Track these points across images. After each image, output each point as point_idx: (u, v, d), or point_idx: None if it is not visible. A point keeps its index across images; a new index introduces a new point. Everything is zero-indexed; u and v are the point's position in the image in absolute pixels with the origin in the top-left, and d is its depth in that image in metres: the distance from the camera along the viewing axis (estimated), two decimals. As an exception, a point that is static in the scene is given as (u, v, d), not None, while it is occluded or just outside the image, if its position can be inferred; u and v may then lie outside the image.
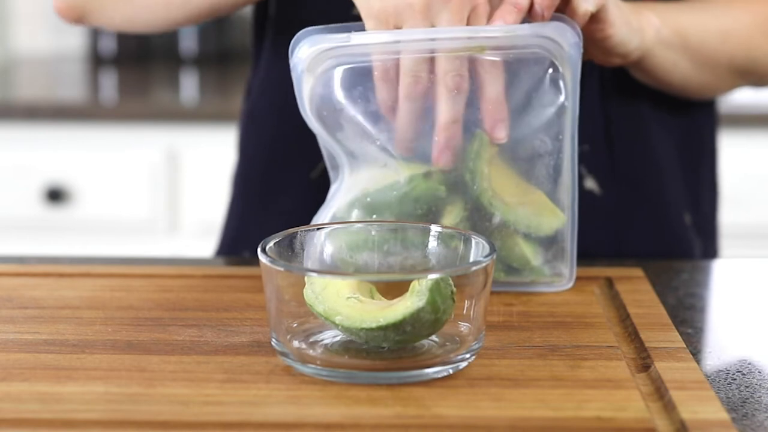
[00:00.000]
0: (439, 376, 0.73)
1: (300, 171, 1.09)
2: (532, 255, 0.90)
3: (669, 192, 1.11)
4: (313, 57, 0.87)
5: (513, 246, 0.89)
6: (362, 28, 0.88)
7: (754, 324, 0.91)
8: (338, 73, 0.88)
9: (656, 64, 1.01)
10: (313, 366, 0.73)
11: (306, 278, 0.75)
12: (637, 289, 0.91)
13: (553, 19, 0.88)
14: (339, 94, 0.88)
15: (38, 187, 2.11)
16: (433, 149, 0.87)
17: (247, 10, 1.99)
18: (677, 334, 0.82)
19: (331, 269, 0.81)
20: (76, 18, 1.08)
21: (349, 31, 0.87)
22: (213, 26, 2.49)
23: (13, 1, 2.61)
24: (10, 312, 0.86)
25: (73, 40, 2.61)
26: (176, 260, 1.08)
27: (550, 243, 0.91)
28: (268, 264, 0.74)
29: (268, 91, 1.12)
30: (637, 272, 0.96)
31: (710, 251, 1.17)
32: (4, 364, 0.76)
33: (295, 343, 0.75)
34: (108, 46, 2.50)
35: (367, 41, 0.87)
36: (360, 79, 0.88)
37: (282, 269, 0.73)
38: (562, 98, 0.88)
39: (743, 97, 2.19)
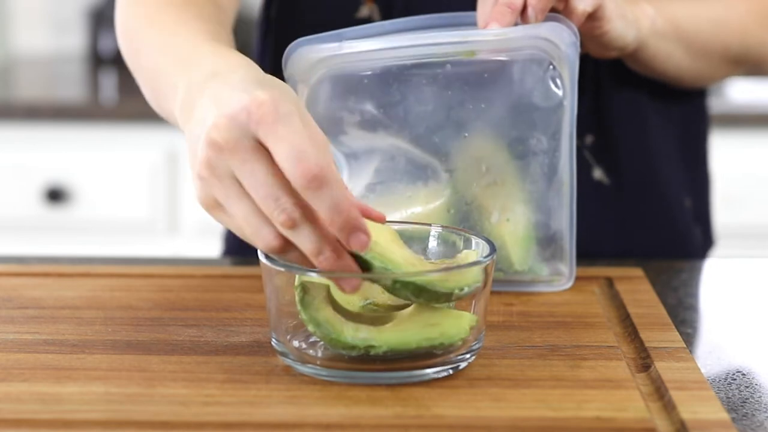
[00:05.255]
0: (439, 376, 0.73)
1: None
2: (518, 260, 0.90)
3: (670, 177, 1.11)
4: (308, 67, 0.87)
5: (499, 247, 0.89)
6: (354, 35, 0.88)
7: (754, 324, 0.90)
8: (335, 82, 0.88)
9: (651, 55, 1.02)
10: (312, 366, 0.73)
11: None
12: (637, 289, 0.91)
13: (549, 19, 0.88)
14: (339, 102, 0.88)
15: (38, 187, 2.11)
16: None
17: (250, 10, 2.00)
18: (677, 334, 0.82)
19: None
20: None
21: (340, 38, 0.87)
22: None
23: (13, 1, 2.61)
24: (10, 312, 0.86)
25: (73, 40, 2.61)
26: (176, 260, 1.07)
27: (548, 242, 0.91)
28: (268, 264, 0.74)
29: None
30: (637, 272, 0.96)
31: (708, 239, 1.17)
32: (4, 364, 0.76)
33: (295, 343, 0.75)
34: (108, 46, 2.50)
35: (359, 48, 0.87)
36: (357, 85, 0.88)
37: (282, 269, 0.73)
38: (559, 97, 0.88)
39: (739, 97, 2.19)
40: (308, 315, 0.73)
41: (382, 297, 0.76)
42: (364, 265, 0.71)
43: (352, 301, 0.76)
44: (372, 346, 0.72)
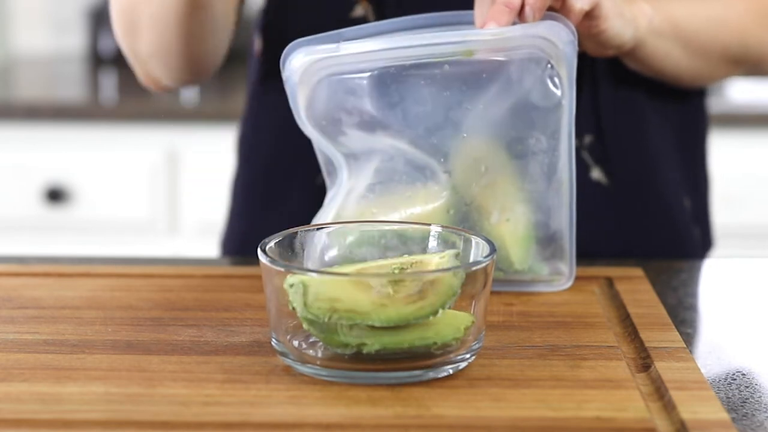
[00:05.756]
0: (439, 376, 0.73)
1: (304, 178, 1.09)
2: (518, 259, 0.90)
3: (668, 177, 1.11)
4: (306, 68, 0.87)
5: (499, 247, 0.89)
6: (352, 35, 0.88)
7: (754, 324, 0.91)
8: (334, 83, 0.88)
9: (649, 54, 1.02)
10: (312, 366, 0.73)
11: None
12: (637, 289, 0.91)
13: (546, 18, 0.88)
14: (337, 104, 0.88)
15: (38, 187, 2.11)
16: None
17: (249, 10, 1.99)
18: (677, 334, 0.82)
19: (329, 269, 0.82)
20: (156, 86, 1.10)
21: (338, 39, 0.87)
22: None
23: (13, 1, 2.61)
24: (10, 312, 0.86)
25: (73, 40, 2.61)
26: (176, 260, 1.07)
27: (548, 242, 0.91)
28: (268, 264, 0.74)
29: (271, 99, 1.12)
30: (637, 272, 0.96)
31: (707, 239, 1.17)
32: (4, 364, 0.76)
33: (295, 343, 0.75)
34: (108, 46, 2.50)
35: (357, 49, 0.87)
36: (355, 86, 0.88)
37: (282, 269, 0.73)
38: (558, 96, 0.88)
39: (739, 97, 2.19)
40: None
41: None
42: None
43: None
44: (364, 344, 0.72)
